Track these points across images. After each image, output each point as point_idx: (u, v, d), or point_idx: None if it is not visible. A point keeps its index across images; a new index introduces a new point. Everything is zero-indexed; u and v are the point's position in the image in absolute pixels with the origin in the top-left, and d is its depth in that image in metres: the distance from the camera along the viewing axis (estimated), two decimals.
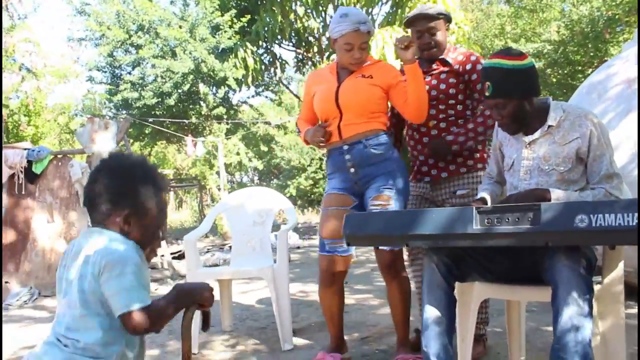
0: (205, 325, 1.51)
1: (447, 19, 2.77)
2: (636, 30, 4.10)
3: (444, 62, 2.77)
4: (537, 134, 2.15)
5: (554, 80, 14.29)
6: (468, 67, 2.72)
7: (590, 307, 1.70)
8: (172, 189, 20.75)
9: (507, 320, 2.52)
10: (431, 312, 2.00)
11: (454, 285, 2.05)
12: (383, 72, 2.73)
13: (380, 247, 2.53)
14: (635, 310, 3.33)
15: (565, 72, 12.93)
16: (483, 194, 2.36)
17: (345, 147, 2.69)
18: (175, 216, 21.16)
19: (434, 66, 2.79)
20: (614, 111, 3.42)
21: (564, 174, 2.09)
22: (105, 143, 6.48)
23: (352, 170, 2.70)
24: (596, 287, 1.88)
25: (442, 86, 2.75)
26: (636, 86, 3.39)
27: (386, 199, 2.60)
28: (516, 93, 2.07)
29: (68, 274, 1.32)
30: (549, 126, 2.12)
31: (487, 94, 2.10)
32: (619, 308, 1.86)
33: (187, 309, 1.38)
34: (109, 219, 1.35)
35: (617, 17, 12.65)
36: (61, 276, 1.35)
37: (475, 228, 1.76)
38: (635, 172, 3.18)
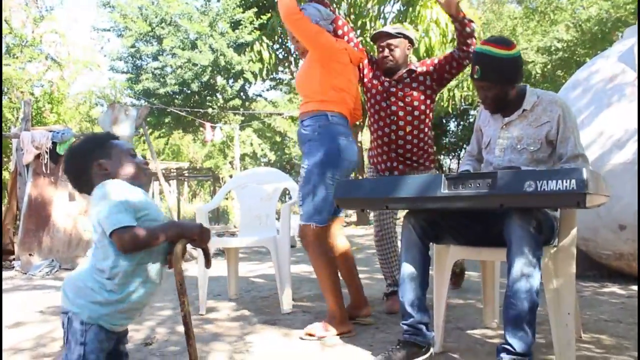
0: (206, 262, 1.64)
1: (409, 39, 3.21)
2: (628, 29, 4.31)
3: (410, 72, 3.18)
4: (513, 116, 2.41)
5: (564, 81, 14.41)
6: (430, 68, 3.16)
7: (539, 261, 1.98)
8: (186, 179, 21.13)
9: (482, 284, 2.82)
10: (407, 268, 2.30)
11: (429, 245, 2.34)
12: None
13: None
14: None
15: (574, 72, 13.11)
16: (466, 168, 2.64)
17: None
18: (189, 207, 21.57)
19: (404, 75, 3.18)
20: (594, 105, 3.67)
21: (533, 153, 2.35)
22: (124, 128, 6.85)
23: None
24: (552, 250, 2.16)
25: (414, 93, 3.15)
26: (615, 83, 3.65)
27: (301, 178, 2.88)
28: (501, 79, 2.32)
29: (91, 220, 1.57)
30: (524, 110, 2.38)
31: (475, 76, 2.35)
32: (571, 264, 2.12)
33: (178, 242, 1.49)
34: (95, 177, 1.57)
35: (624, 19, 12.77)
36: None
37: (443, 192, 2.05)
38: (613, 161, 3.44)
